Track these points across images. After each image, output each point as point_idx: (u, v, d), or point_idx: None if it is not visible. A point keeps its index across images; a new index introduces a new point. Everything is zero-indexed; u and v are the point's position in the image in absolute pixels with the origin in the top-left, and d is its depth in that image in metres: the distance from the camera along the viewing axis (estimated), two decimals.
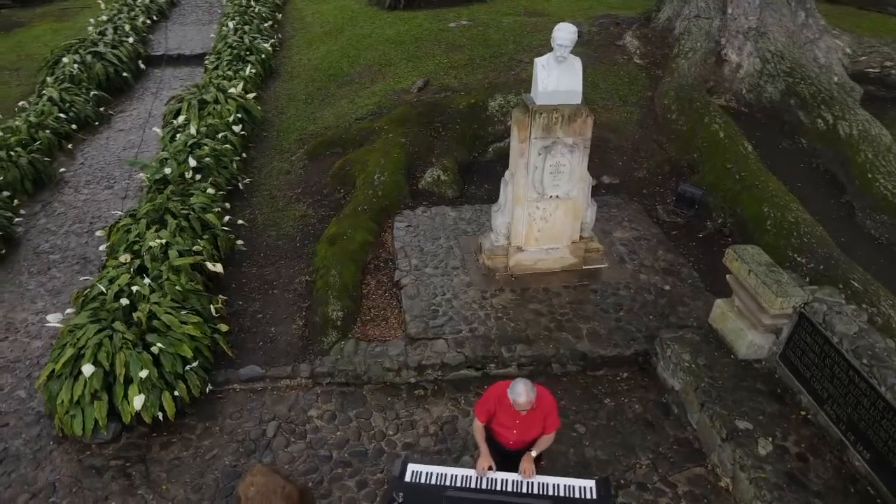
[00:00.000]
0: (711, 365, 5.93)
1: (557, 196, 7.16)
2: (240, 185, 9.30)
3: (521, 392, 4.29)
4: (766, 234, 7.92)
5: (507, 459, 4.70)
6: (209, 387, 6.23)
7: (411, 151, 9.75)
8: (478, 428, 4.69)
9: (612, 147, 10.24)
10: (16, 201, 8.97)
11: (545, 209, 7.27)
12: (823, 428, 5.33)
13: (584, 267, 7.68)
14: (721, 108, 10.22)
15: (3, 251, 8.15)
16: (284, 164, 10.05)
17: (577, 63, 6.73)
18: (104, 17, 14.30)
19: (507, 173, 7.40)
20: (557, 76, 6.68)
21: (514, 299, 7.18)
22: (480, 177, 9.81)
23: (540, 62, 6.73)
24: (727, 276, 6.20)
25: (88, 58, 12.16)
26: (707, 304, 6.75)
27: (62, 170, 9.97)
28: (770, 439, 5.22)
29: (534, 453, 4.64)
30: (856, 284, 6.78)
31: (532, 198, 7.15)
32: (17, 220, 8.67)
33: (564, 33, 6.44)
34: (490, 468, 4.51)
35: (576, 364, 6.53)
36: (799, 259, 7.43)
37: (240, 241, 8.24)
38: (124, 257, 6.66)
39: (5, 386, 6.41)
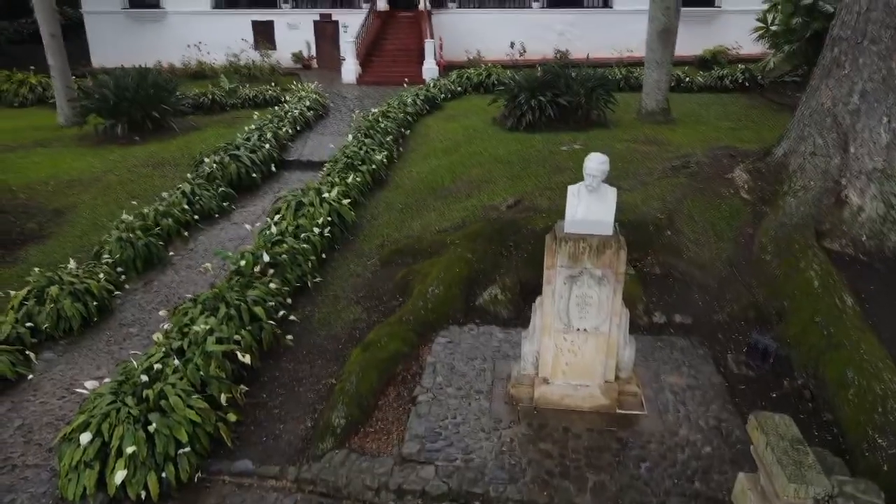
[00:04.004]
0: None
1: (585, 329, 6.72)
2: (309, 283, 9.80)
3: None
4: (846, 404, 6.75)
5: None
6: (199, 473, 6.36)
7: (476, 268, 9.72)
8: None
9: (695, 284, 9.49)
10: (123, 277, 10.18)
11: (573, 342, 6.82)
12: None
13: (617, 411, 6.99)
14: (825, 254, 9.12)
15: (96, 319, 9.17)
16: (358, 267, 10.47)
17: (610, 193, 6.49)
18: (253, 126, 16.36)
19: (537, 299, 7.14)
20: (587, 205, 6.48)
21: (526, 434, 6.66)
22: None
23: (572, 190, 6.61)
24: (751, 446, 5.31)
25: (226, 159, 13.87)
26: None
27: (171, 253, 11.21)
28: None
29: None
30: None
31: (558, 328, 6.78)
32: (117, 293, 9.79)
33: (594, 163, 6.33)
34: None
35: None
36: (880, 441, 6.20)
37: (289, 337, 8.58)
38: (156, 336, 7.21)
39: (42, 441, 7.03)
